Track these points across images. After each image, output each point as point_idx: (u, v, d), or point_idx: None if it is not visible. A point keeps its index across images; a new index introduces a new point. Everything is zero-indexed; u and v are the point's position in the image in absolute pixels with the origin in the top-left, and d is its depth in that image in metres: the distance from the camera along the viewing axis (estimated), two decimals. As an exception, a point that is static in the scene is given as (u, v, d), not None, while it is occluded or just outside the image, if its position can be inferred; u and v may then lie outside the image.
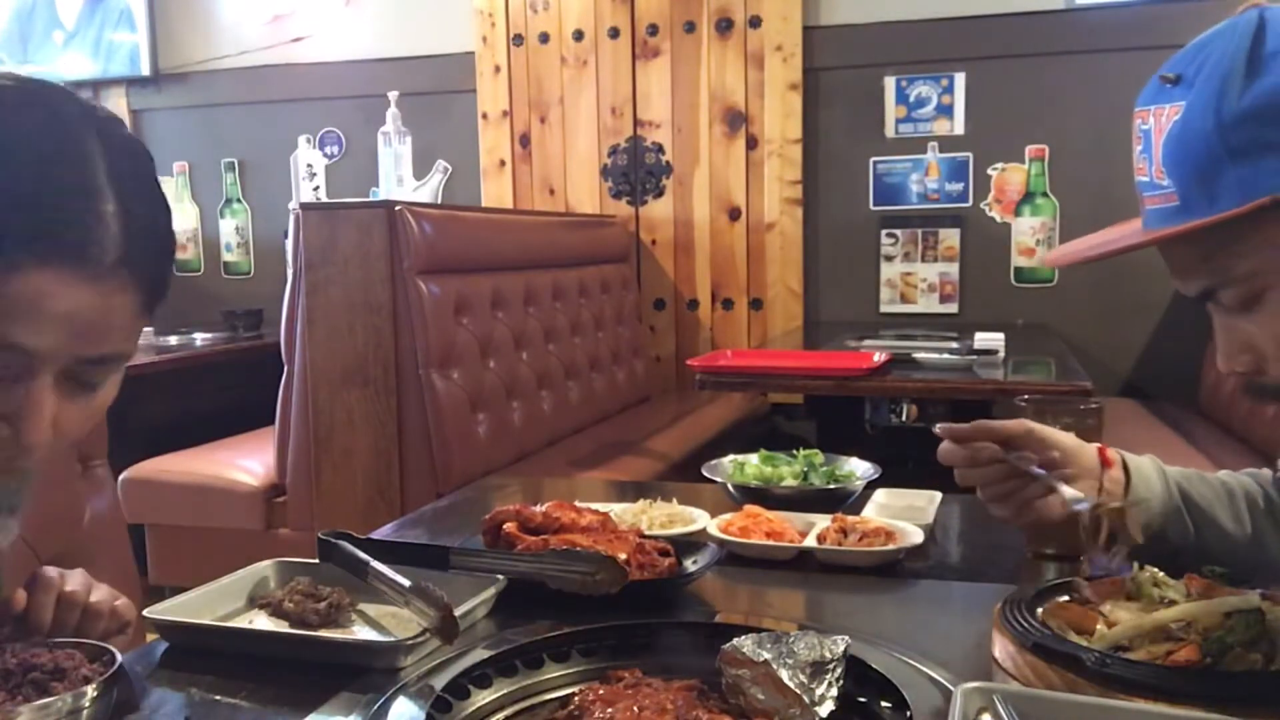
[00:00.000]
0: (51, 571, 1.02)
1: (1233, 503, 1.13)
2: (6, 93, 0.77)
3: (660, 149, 4.01)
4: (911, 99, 3.76)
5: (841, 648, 0.84)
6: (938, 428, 1.15)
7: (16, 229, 0.74)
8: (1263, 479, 1.15)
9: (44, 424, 0.79)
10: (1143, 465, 1.15)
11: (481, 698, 0.88)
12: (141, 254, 0.80)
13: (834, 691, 0.82)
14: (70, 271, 0.76)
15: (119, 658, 0.87)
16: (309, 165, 3.99)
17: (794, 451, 1.62)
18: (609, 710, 0.81)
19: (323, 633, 1.03)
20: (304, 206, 2.73)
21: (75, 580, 1.03)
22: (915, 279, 3.82)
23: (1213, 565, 1.00)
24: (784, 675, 0.81)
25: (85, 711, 0.81)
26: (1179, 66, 0.87)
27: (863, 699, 0.85)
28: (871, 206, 3.84)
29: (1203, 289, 0.89)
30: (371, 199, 3.78)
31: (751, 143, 3.91)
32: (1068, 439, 1.14)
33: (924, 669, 0.89)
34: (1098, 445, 1.16)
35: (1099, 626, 0.91)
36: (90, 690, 0.82)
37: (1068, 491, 1.07)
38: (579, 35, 4.04)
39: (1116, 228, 0.99)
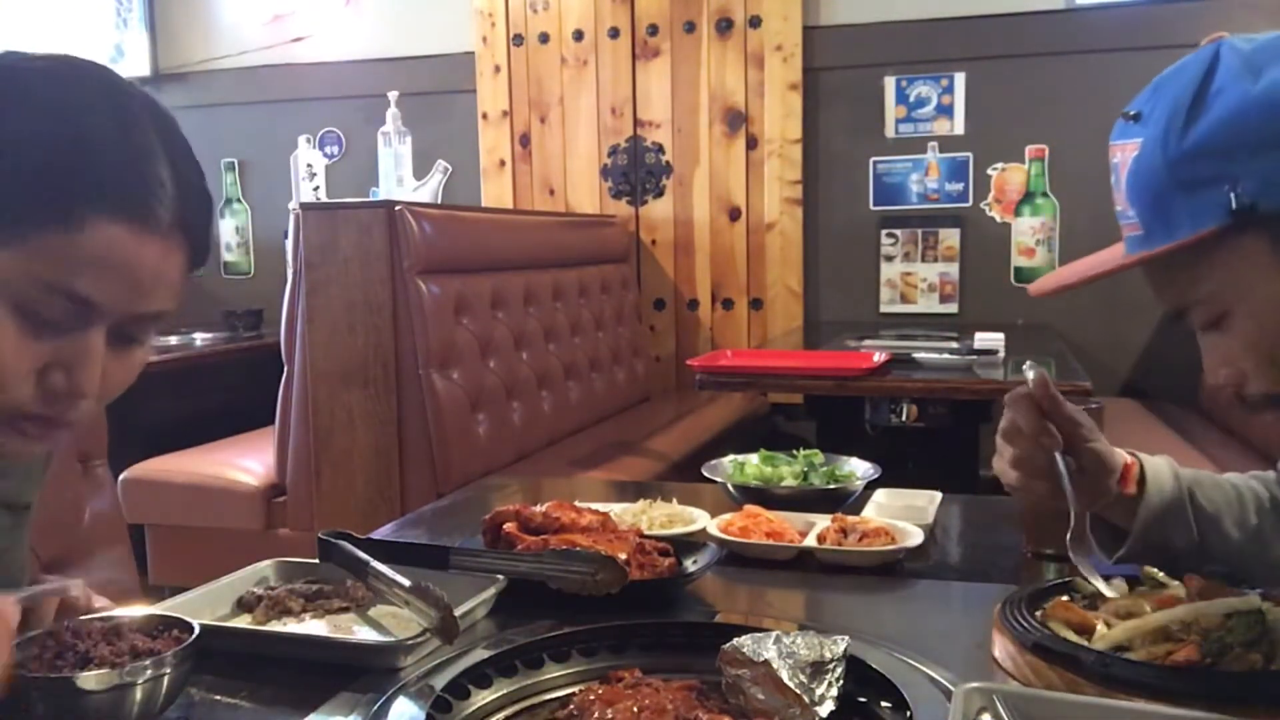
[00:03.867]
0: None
1: (1241, 507, 1.12)
2: (63, 64, 0.82)
3: (660, 149, 4.01)
4: (911, 99, 3.76)
5: (841, 648, 0.85)
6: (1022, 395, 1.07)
7: (90, 183, 0.77)
8: (1267, 481, 1.15)
9: (97, 374, 0.81)
10: (1159, 469, 1.13)
11: (481, 698, 0.88)
12: (193, 216, 0.84)
13: (834, 691, 0.82)
14: (138, 228, 0.79)
15: (197, 626, 0.88)
16: (309, 165, 3.99)
17: (794, 451, 1.63)
18: (609, 710, 0.81)
19: (322, 633, 1.03)
20: (304, 206, 2.72)
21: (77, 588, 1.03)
22: (915, 279, 3.82)
23: (1213, 566, 1.00)
24: (784, 675, 0.81)
25: (167, 676, 0.84)
26: (1140, 104, 0.93)
27: (863, 699, 0.86)
28: (871, 206, 3.84)
29: (1174, 309, 0.95)
30: (371, 199, 3.78)
31: (751, 143, 3.91)
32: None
33: (924, 669, 0.89)
34: (1125, 463, 1.11)
35: (1099, 626, 0.91)
36: (170, 656, 0.85)
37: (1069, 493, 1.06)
38: (579, 35, 4.04)
39: (1105, 252, 1.03)
